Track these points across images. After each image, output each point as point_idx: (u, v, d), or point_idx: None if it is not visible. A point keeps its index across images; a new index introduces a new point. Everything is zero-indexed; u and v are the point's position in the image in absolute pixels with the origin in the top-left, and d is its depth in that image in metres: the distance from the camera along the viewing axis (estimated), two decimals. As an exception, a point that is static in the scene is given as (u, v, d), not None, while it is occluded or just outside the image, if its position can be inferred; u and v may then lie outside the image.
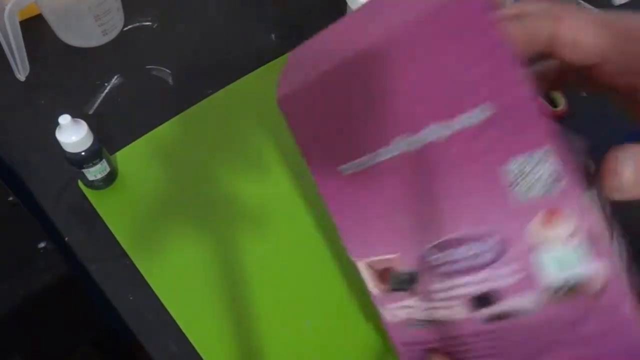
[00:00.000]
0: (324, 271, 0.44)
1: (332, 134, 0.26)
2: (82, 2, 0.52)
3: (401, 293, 0.27)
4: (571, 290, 0.23)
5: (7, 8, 0.47)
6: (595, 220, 0.22)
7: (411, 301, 0.27)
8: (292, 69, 0.28)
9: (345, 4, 0.52)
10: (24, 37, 0.51)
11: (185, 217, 0.47)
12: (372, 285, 0.28)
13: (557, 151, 0.22)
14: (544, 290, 0.24)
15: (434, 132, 0.23)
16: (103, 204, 0.47)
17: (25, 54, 0.52)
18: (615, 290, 0.22)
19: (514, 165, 0.22)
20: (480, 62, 0.21)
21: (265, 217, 0.47)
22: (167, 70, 0.56)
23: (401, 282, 0.27)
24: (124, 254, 0.45)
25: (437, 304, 0.26)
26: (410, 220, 0.26)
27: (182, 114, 0.52)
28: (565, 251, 0.23)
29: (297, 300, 0.43)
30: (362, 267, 0.28)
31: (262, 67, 0.56)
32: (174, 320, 0.42)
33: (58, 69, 0.56)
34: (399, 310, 0.27)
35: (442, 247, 0.25)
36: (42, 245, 0.54)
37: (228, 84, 0.55)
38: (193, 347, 0.41)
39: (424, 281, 0.26)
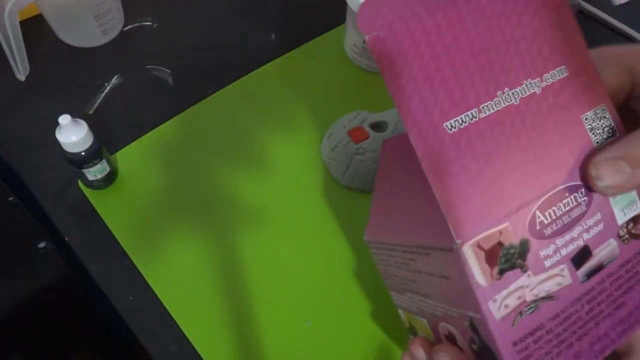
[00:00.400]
0: (325, 272, 0.44)
1: (437, 84, 0.23)
2: (82, 2, 0.52)
3: (512, 273, 0.25)
4: (635, 228, 0.27)
5: (7, 8, 0.47)
6: None
7: (523, 279, 0.25)
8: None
9: (345, 4, 0.52)
10: (24, 37, 0.51)
11: (186, 217, 0.47)
12: (481, 274, 0.24)
13: (611, 108, 0.26)
14: (619, 232, 0.26)
15: (533, 85, 0.25)
16: (103, 204, 0.47)
17: (25, 54, 0.52)
18: None
19: (587, 119, 0.26)
20: (558, 28, 0.26)
21: (266, 218, 0.47)
22: (167, 70, 0.56)
23: (513, 257, 0.25)
24: (124, 254, 0.45)
25: (547, 274, 0.25)
26: (518, 179, 0.25)
27: (182, 114, 0.52)
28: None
29: (297, 301, 0.43)
30: (468, 252, 0.24)
31: (262, 67, 0.56)
32: (174, 320, 0.42)
33: (58, 69, 0.56)
34: (510, 297, 0.25)
35: (548, 204, 0.25)
36: (42, 245, 0.53)
37: (228, 84, 0.55)
38: (193, 347, 0.41)
39: (534, 250, 0.25)
